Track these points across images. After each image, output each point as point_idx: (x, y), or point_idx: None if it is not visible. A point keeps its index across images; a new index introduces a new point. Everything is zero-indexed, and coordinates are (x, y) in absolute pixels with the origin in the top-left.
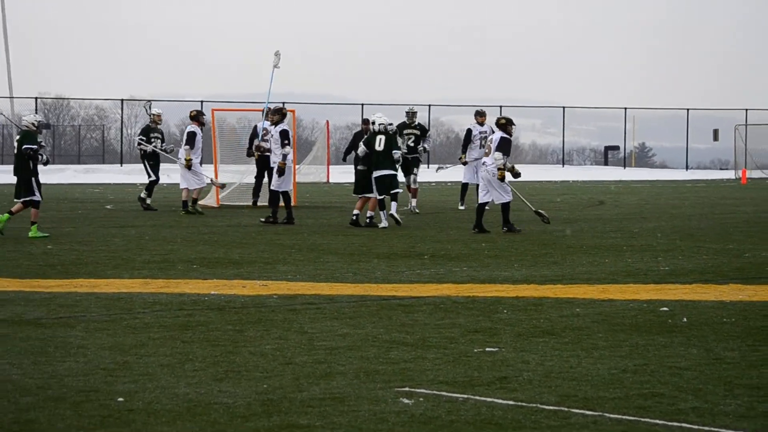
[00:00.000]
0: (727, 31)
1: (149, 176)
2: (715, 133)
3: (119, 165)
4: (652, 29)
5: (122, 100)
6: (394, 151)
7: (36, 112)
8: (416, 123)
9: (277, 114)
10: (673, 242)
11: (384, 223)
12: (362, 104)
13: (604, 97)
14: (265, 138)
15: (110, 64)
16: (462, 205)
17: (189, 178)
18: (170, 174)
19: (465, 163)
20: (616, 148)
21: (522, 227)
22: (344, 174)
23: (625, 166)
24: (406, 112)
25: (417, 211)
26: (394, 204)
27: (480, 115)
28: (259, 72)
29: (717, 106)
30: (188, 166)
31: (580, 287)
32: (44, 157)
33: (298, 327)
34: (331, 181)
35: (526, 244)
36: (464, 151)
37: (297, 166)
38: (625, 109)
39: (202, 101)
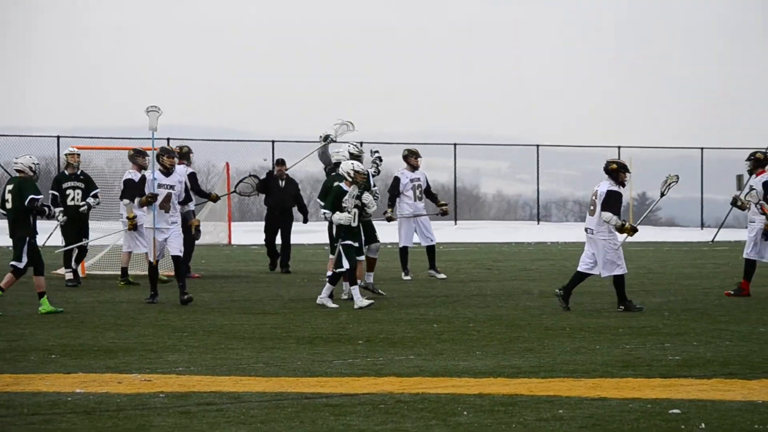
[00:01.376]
0: (754, 47)
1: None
2: (739, 179)
3: None
4: (653, 48)
5: None
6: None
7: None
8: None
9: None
10: (685, 324)
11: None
12: (272, 141)
13: (590, 133)
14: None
15: None
16: (407, 274)
17: (133, 238)
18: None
19: (390, 219)
20: None
21: (487, 302)
22: (250, 233)
23: (720, 225)
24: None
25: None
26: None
27: (413, 156)
28: (127, 101)
29: (741, 145)
30: (132, 226)
31: (563, 382)
32: (53, 209)
33: None
34: (233, 242)
35: (490, 324)
36: (391, 205)
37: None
38: (619, 148)
39: (58, 136)
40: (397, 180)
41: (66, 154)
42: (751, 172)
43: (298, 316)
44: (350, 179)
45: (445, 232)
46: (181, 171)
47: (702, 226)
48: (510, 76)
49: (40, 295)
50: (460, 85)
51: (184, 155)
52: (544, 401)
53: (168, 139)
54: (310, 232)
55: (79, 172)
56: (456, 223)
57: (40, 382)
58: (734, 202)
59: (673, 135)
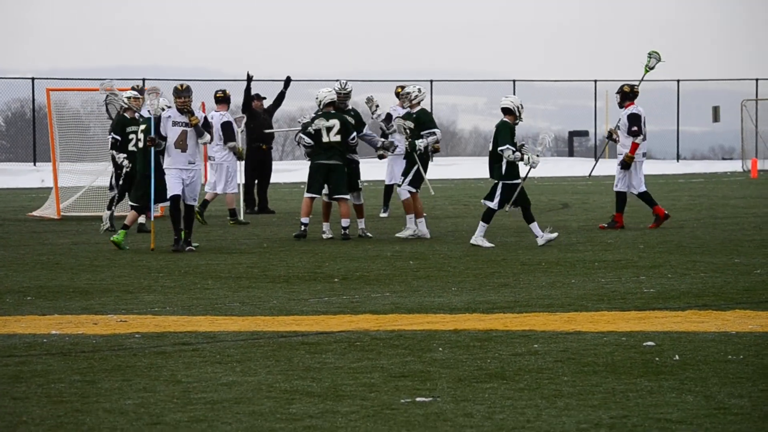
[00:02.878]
0: None
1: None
2: (716, 111)
3: None
4: None
5: None
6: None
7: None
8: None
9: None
10: (660, 256)
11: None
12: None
13: (566, 68)
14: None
15: None
16: (385, 211)
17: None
18: None
19: (382, 157)
20: (585, 133)
21: (463, 238)
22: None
23: (596, 158)
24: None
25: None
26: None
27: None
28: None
29: (717, 76)
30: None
31: (538, 316)
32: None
33: (168, 375)
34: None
35: (466, 260)
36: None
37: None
38: (595, 81)
39: (33, 78)
40: (389, 117)
41: (128, 98)
42: (620, 105)
43: (274, 255)
44: (518, 114)
45: None
46: (216, 118)
47: (678, 158)
48: (486, 12)
49: (124, 227)
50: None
51: (224, 100)
52: (519, 336)
53: (143, 80)
54: (286, 172)
55: (137, 115)
56: (432, 160)
57: (15, 323)
58: (609, 135)
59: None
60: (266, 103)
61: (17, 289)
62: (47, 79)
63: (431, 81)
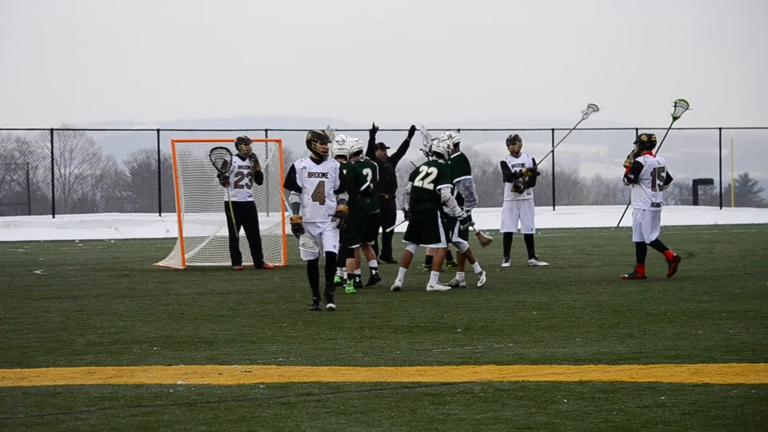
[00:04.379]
0: None
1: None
2: None
3: (51, 216)
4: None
5: (52, 130)
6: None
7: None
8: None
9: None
10: None
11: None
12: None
13: (691, 115)
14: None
15: (34, 86)
16: (506, 261)
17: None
18: (119, 227)
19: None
20: (710, 181)
21: (587, 288)
22: None
23: (721, 206)
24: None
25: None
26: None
27: (513, 142)
28: (222, 91)
29: None
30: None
31: (664, 368)
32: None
33: (292, 426)
34: None
35: (590, 310)
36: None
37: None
38: (720, 129)
39: (158, 129)
40: (504, 164)
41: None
42: (636, 156)
43: (396, 305)
44: None
45: (543, 218)
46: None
47: None
48: (605, 62)
49: (350, 276)
50: (556, 72)
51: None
52: (646, 388)
53: (266, 130)
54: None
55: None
56: (554, 209)
57: (142, 373)
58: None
59: None
60: (389, 152)
61: (144, 339)
62: (172, 130)
63: (552, 129)
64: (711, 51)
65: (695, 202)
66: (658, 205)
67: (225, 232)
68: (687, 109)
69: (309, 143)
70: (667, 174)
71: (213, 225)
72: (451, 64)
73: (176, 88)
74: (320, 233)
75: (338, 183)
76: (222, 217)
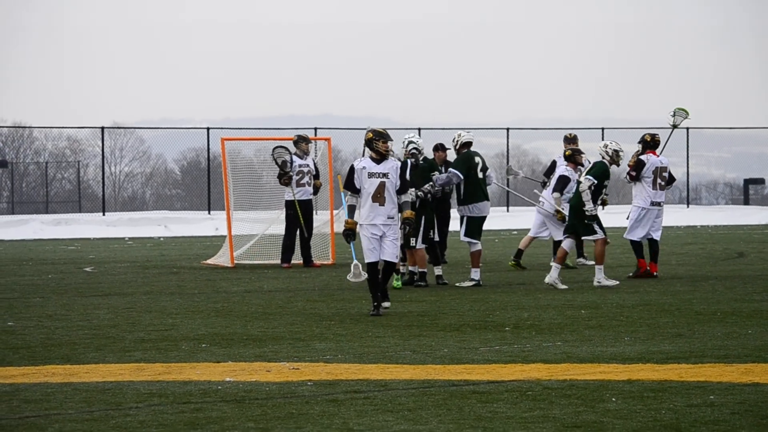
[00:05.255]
0: None
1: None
2: None
3: (101, 213)
4: None
5: (102, 128)
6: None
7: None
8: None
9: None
10: None
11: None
12: (419, 128)
13: (741, 114)
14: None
15: (85, 85)
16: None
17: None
18: (169, 225)
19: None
20: (761, 181)
21: (636, 287)
22: None
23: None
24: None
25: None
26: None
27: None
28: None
29: None
30: (561, 217)
31: (714, 367)
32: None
33: (340, 423)
34: None
35: (639, 310)
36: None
37: (335, 211)
38: None
39: (207, 128)
40: (553, 164)
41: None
42: (640, 155)
43: (444, 304)
44: None
45: None
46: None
47: None
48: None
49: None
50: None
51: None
52: (695, 387)
53: (315, 129)
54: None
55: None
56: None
57: (190, 371)
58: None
59: None
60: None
61: (192, 336)
62: (221, 128)
63: (602, 129)
64: (763, 47)
65: (746, 202)
66: (658, 204)
67: (274, 230)
68: (686, 117)
69: (370, 142)
70: (670, 174)
71: (262, 223)
72: (500, 63)
73: (226, 86)
74: (381, 236)
75: (399, 183)
76: (271, 215)
